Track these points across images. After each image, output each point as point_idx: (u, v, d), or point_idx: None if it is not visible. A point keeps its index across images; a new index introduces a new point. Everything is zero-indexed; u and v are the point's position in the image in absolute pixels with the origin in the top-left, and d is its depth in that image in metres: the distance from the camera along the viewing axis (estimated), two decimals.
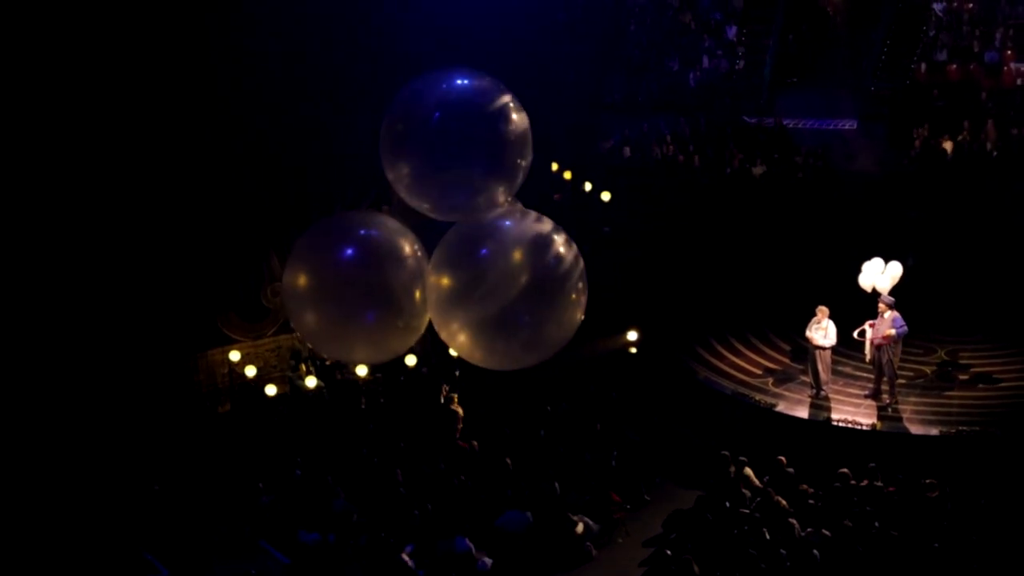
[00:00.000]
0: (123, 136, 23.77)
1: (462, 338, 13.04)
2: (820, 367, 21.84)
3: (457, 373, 23.53)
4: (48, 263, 22.77)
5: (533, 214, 13.50)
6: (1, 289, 22.30)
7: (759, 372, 23.71)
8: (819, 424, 21.24)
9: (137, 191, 23.68)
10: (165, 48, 24.49)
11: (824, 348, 21.65)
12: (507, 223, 13.19)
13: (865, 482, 18.70)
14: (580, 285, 13.26)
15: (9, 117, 22.63)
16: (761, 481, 19.27)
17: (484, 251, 12.95)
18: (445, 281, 12.98)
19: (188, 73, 24.55)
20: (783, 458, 19.64)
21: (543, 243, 13.06)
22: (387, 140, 13.40)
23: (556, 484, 19.41)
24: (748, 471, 19.46)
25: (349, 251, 13.30)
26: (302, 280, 13.36)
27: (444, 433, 22.08)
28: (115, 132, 23.69)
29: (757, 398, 22.34)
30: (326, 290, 13.26)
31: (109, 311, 23.13)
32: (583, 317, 13.49)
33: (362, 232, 13.57)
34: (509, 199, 13.54)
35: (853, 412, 21.35)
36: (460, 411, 22.36)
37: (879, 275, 21.82)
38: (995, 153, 27.94)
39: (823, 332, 21.54)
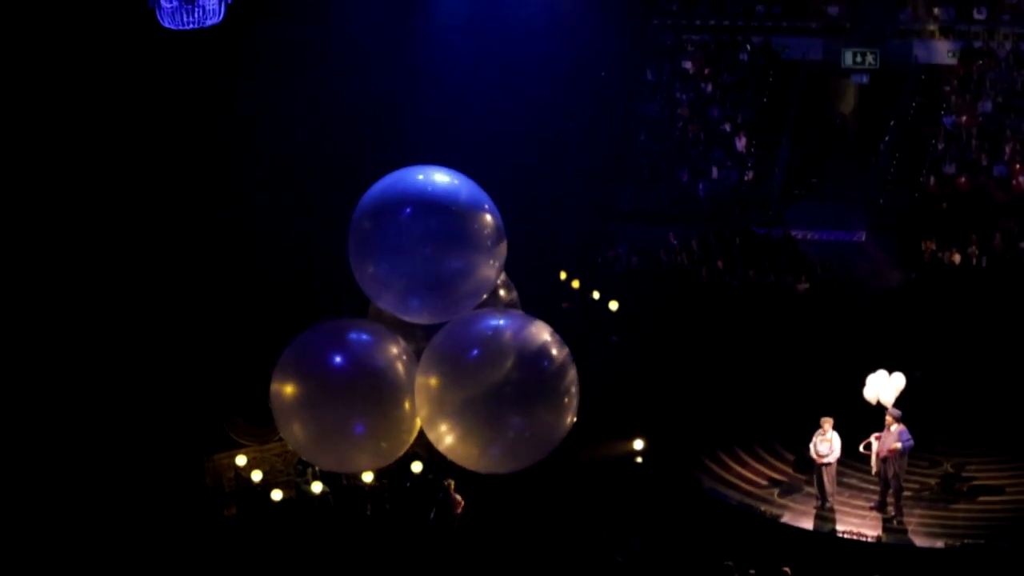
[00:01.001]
0: (130, 239, 24.16)
1: (451, 440, 12.85)
2: (826, 479, 21.70)
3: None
4: (55, 366, 23.00)
5: (524, 315, 13.41)
6: (6, 395, 22.49)
7: (764, 483, 23.55)
8: (824, 535, 21.07)
9: (142, 299, 23.97)
10: (176, 145, 25.10)
11: (829, 460, 21.56)
12: (496, 323, 13.05)
13: None
14: (572, 388, 13.10)
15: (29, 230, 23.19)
16: None
17: (474, 352, 12.82)
18: (433, 382, 12.81)
19: (191, 170, 25.05)
20: (787, 569, 19.43)
21: (533, 344, 12.94)
22: (354, 239, 13.21)
23: None
24: None
25: (337, 360, 13.07)
26: (288, 390, 13.14)
27: (444, 522, 21.94)
28: (123, 234, 24.11)
29: (762, 509, 22.19)
30: (313, 401, 13.04)
31: (116, 416, 23.24)
32: (575, 419, 13.36)
33: (350, 338, 13.38)
34: (485, 296, 13.40)
35: (858, 524, 21.17)
36: (459, 497, 22.18)
37: (883, 387, 21.76)
38: (1003, 265, 28.06)
39: (828, 444, 21.44)
